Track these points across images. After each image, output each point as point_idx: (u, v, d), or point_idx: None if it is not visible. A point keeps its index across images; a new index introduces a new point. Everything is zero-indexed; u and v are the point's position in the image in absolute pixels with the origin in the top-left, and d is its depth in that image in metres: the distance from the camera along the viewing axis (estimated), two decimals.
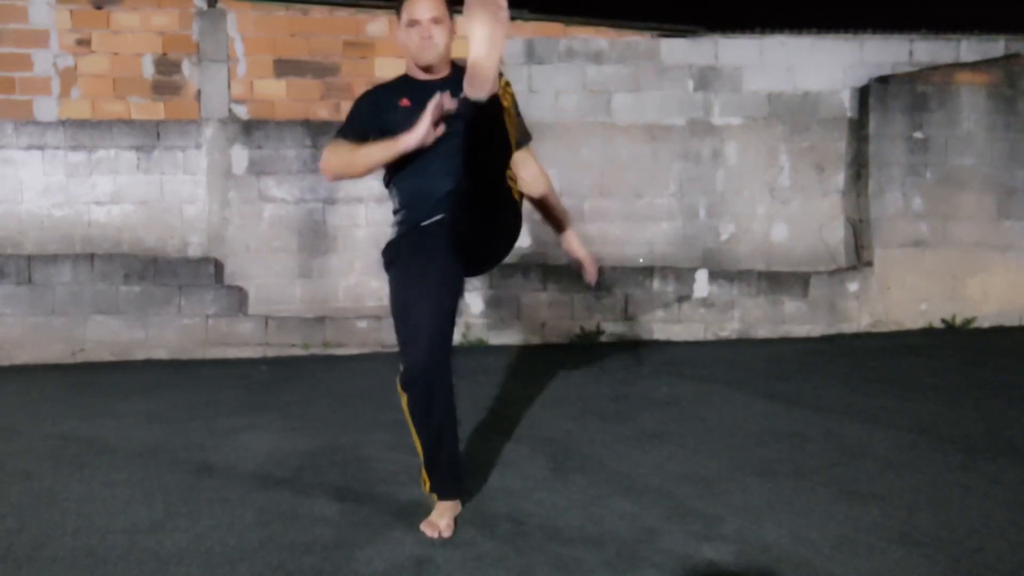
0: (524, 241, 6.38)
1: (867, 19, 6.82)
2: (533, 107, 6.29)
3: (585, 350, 5.86)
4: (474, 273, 3.09)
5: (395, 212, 3.05)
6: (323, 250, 6.24)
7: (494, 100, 2.58)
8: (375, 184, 6.24)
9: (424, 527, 2.89)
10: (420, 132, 2.74)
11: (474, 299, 6.07)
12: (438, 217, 2.89)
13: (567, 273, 6.22)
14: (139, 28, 6.07)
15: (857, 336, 6.23)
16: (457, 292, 2.93)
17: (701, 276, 6.23)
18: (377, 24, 6.26)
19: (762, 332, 6.26)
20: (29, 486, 3.37)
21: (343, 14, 6.23)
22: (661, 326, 6.22)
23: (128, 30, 6.07)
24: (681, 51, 6.47)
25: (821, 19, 6.67)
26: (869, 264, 6.37)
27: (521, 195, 2.93)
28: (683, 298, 6.22)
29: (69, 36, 6.00)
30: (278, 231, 6.21)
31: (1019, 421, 4.10)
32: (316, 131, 6.18)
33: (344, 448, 3.80)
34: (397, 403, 4.55)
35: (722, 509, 3.07)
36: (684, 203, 6.53)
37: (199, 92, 6.12)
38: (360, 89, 6.22)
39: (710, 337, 6.24)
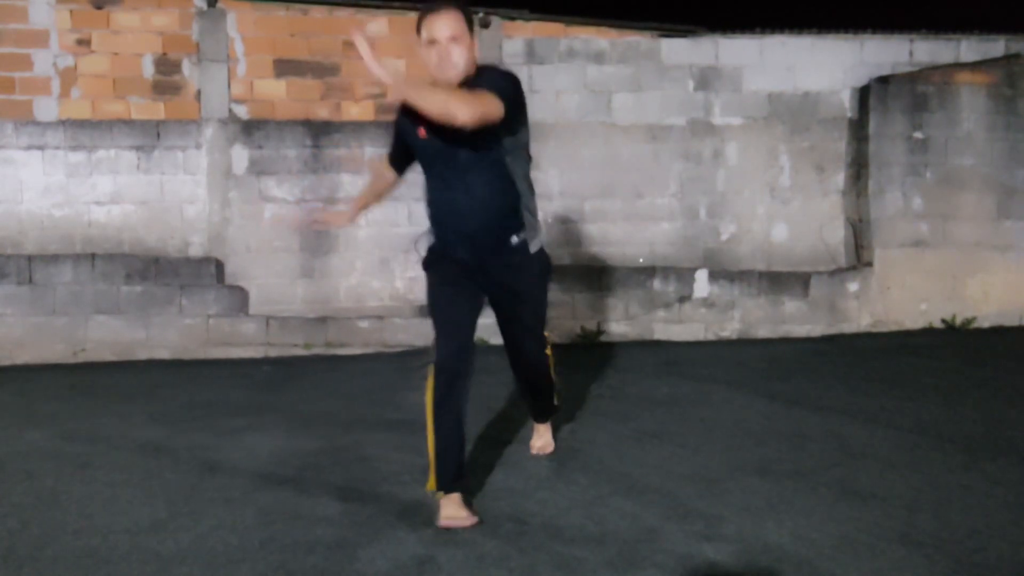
0: None
1: (867, 19, 6.83)
2: (534, 107, 6.24)
3: (586, 350, 5.86)
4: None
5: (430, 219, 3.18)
6: (324, 250, 6.24)
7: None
8: None
9: (448, 522, 2.90)
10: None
11: None
12: (463, 250, 3.07)
13: (568, 273, 6.23)
14: (139, 28, 6.07)
15: (857, 336, 6.24)
16: (477, 309, 3.14)
17: (701, 276, 6.23)
18: (377, 24, 6.26)
19: (762, 332, 6.27)
20: (31, 486, 3.37)
21: (343, 14, 6.23)
22: (662, 326, 6.23)
23: (128, 30, 6.07)
24: (682, 51, 6.47)
25: (821, 19, 6.67)
26: (869, 264, 6.37)
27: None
28: (684, 298, 6.23)
29: (69, 36, 6.01)
30: (279, 231, 6.21)
31: (1019, 421, 4.10)
32: (316, 131, 6.19)
33: (346, 448, 3.81)
34: (400, 403, 4.59)
35: (723, 509, 3.07)
36: (685, 203, 6.53)
37: (199, 92, 6.12)
38: (360, 89, 6.28)
39: (711, 337, 6.24)
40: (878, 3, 8.03)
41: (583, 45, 6.41)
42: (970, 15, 6.93)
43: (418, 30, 2.98)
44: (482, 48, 6.29)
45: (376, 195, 3.49)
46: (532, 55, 6.36)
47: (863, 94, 6.48)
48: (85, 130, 6.03)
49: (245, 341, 5.92)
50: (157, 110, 6.12)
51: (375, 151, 6.24)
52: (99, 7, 6.02)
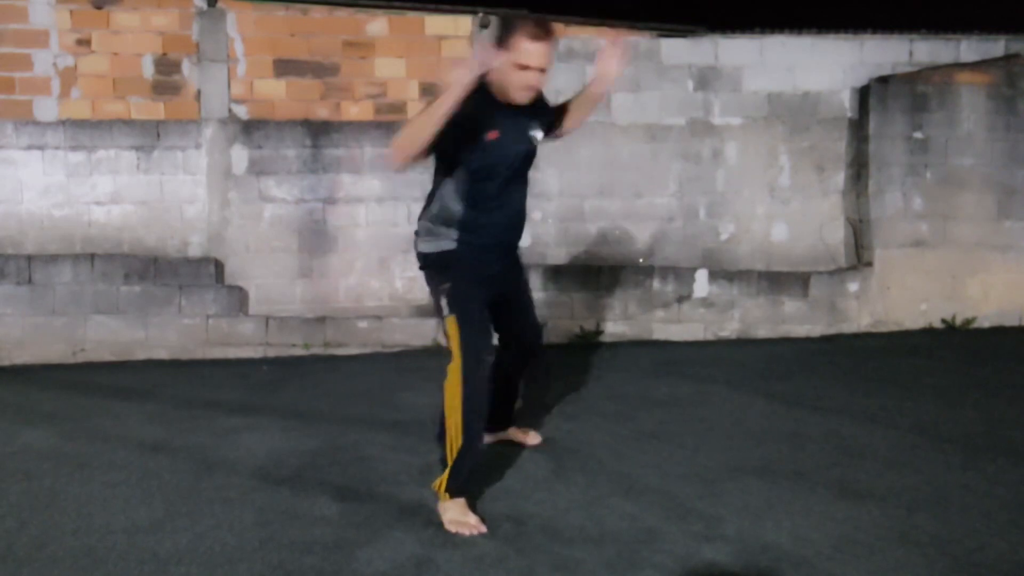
0: (524, 241, 6.38)
1: (867, 19, 6.81)
2: None
3: (584, 350, 5.86)
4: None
5: (451, 222, 3.20)
6: (324, 250, 6.24)
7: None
8: (376, 184, 6.28)
9: (456, 528, 2.89)
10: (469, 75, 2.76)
11: None
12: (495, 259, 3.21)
13: (567, 273, 6.23)
14: (139, 28, 6.06)
15: (857, 336, 6.23)
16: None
17: (701, 276, 6.23)
18: (377, 24, 6.26)
19: (762, 332, 6.26)
20: (29, 486, 3.37)
21: (343, 14, 6.22)
22: (661, 326, 6.22)
23: (128, 30, 6.07)
24: (681, 51, 6.47)
25: (821, 19, 6.66)
26: (869, 264, 6.37)
27: None
28: (683, 298, 6.22)
29: (69, 36, 6.00)
30: (278, 231, 6.21)
31: (1019, 421, 4.10)
32: (316, 131, 6.18)
33: (345, 448, 3.81)
34: (398, 403, 4.59)
35: (722, 509, 3.07)
36: (684, 203, 6.53)
37: (199, 92, 6.12)
38: (360, 89, 6.27)
39: (710, 337, 6.24)
40: (878, 3, 8.01)
41: (582, 45, 6.41)
42: (970, 15, 6.90)
43: (507, 40, 2.91)
44: (482, 48, 6.31)
45: None
46: None
47: (863, 94, 6.47)
48: (85, 130, 6.03)
49: (244, 341, 5.91)
50: (157, 110, 6.11)
51: (375, 151, 6.24)
52: (99, 7, 6.02)
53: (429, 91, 6.31)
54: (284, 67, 6.18)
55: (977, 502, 3.11)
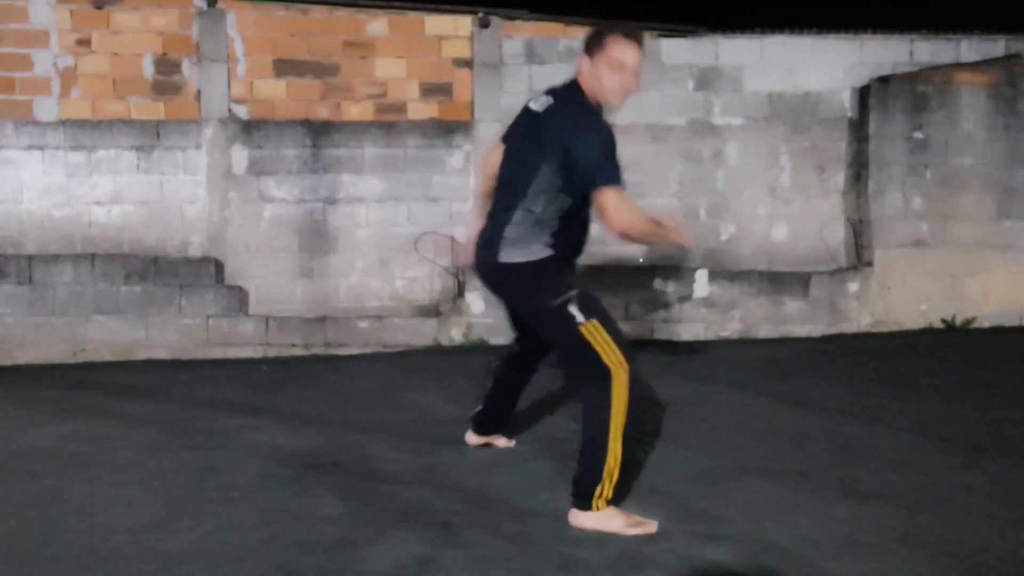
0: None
1: (867, 19, 6.82)
2: None
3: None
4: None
5: (543, 234, 3.07)
6: (324, 250, 6.24)
7: None
8: (376, 184, 6.28)
9: (638, 529, 2.86)
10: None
11: (475, 299, 6.07)
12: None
13: None
14: (139, 28, 6.06)
15: (857, 336, 6.24)
16: None
17: (702, 276, 6.23)
18: (377, 24, 6.26)
19: (763, 332, 6.26)
20: (32, 486, 3.37)
21: (343, 14, 6.23)
22: (662, 326, 6.22)
23: (128, 30, 6.07)
24: (682, 51, 6.47)
25: (821, 19, 6.67)
26: (869, 264, 6.37)
27: None
28: (684, 298, 6.23)
29: (69, 36, 6.00)
30: (279, 231, 6.21)
31: (1020, 421, 4.10)
32: (316, 131, 6.18)
33: (346, 448, 3.80)
34: (399, 403, 4.59)
35: (725, 509, 3.07)
36: (685, 203, 6.53)
37: (199, 92, 6.11)
38: (360, 89, 6.27)
39: (711, 337, 6.24)
40: (878, 3, 8.02)
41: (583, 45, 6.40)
42: (970, 15, 6.91)
43: (601, 42, 2.95)
44: (482, 48, 6.32)
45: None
46: (532, 55, 6.36)
47: (863, 94, 6.47)
48: (85, 130, 6.03)
49: (244, 341, 5.91)
50: (157, 110, 6.11)
51: (375, 151, 6.24)
52: (99, 7, 6.02)
53: (429, 91, 6.31)
54: (284, 67, 6.18)
55: (979, 502, 3.11)
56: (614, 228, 2.87)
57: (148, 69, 6.09)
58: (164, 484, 3.37)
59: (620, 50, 2.92)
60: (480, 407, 3.70)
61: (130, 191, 6.09)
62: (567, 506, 3.09)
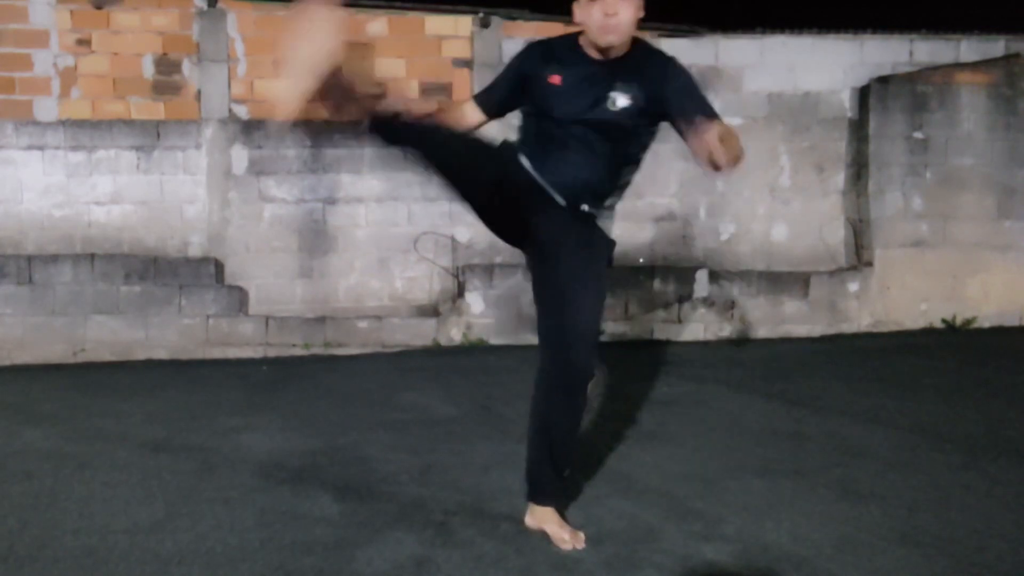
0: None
1: (867, 19, 6.82)
2: None
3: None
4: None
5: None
6: (323, 250, 6.24)
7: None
8: (376, 184, 6.28)
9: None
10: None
11: (474, 299, 6.07)
12: None
13: None
14: (139, 28, 6.07)
15: (857, 336, 6.24)
16: None
17: (701, 276, 6.23)
18: (377, 24, 6.26)
19: (762, 332, 6.26)
20: (30, 486, 3.37)
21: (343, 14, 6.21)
22: (661, 326, 6.22)
23: (128, 30, 6.07)
24: (681, 51, 6.42)
25: (821, 19, 6.67)
26: (869, 264, 6.37)
27: None
28: (683, 298, 6.22)
29: (69, 36, 6.01)
30: (278, 231, 6.21)
31: (1019, 421, 4.10)
32: (316, 131, 6.18)
33: (345, 448, 3.80)
34: (398, 403, 4.59)
35: (722, 509, 3.07)
36: (685, 203, 6.53)
37: (199, 92, 6.12)
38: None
39: (710, 337, 6.24)
40: (878, 3, 8.02)
41: None
42: (970, 15, 6.91)
43: None
44: (482, 48, 6.32)
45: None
46: None
47: (863, 94, 6.47)
48: (85, 130, 6.03)
49: (244, 341, 5.91)
50: (157, 110, 6.12)
51: (375, 151, 6.24)
52: (99, 7, 6.02)
53: (429, 91, 6.31)
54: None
55: (978, 502, 3.11)
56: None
57: (148, 69, 6.09)
58: (162, 484, 3.37)
59: None
60: None
61: (130, 191, 6.09)
62: (562, 506, 3.08)
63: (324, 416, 4.36)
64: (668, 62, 2.79)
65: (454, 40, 6.33)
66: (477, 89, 6.23)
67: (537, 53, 2.83)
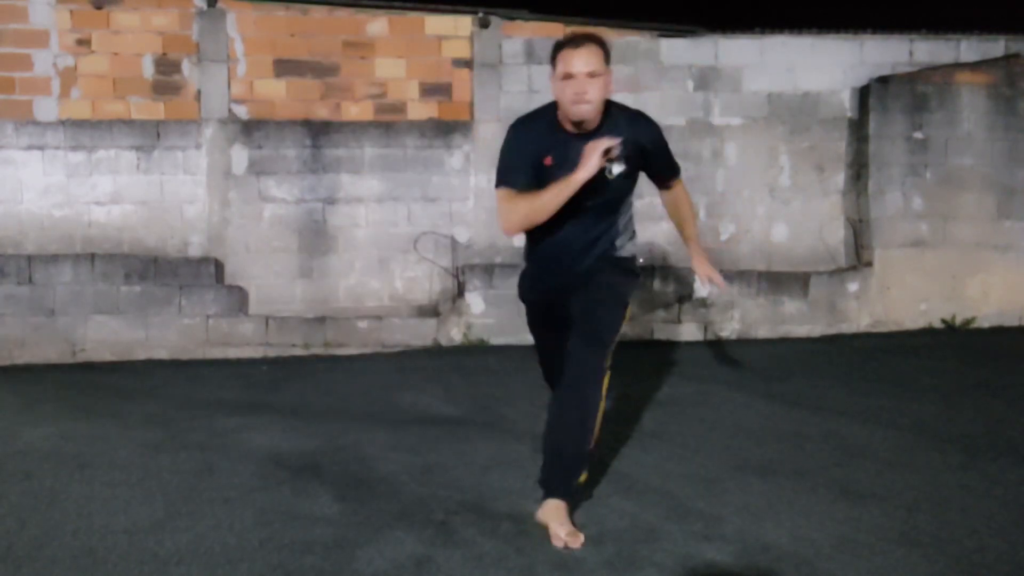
0: (521, 240, 6.38)
1: (867, 19, 6.82)
2: (533, 107, 6.27)
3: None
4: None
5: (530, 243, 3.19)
6: (323, 250, 6.25)
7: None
8: (376, 184, 6.29)
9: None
10: (592, 167, 2.80)
11: (475, 299, 6.07)
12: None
13: None
14: (139, 28, 6.07)
15: (857, 336, 6.23)
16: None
17: None
18: (377, 24, 6.26)
19: (762, 332, 6.26)
20: (29, 486, 3.37)
21: (343, 14, 6.23)
22: (661, 326, 6.22)
23: (128, 30, 6.07)
24: (681, 51, 6.47)
25: (821, 19, 6.66)
26: (869, 264, 6.37)
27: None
28: (683, 298, 6.22)
29: (69, 36, 6.01)
30: (278, 231, 6.21)
31: (1019, 421, 4.10)
32: (316, 131, 6.19)
33: (345, 448, 3.80)
34: (397, 403, 4.59)
35: (722, 509, 3.07)
36: None
37: (199, 92, 6.12)
38: (360, 89, 6.27)
39: (710, 337, 6.24)
40: (878, 3, 8.01)
41: None
42: (970, 15, 6.90)
43: (552, 62, 2.88)
44: (482, 48, 6.32)
45: None
46: (531, 55, 6.36)
47: (863, 94, 6.47)
48: (85, 130, 6.03)
49: (244, 341, 5.91)
50: (157, 110, 6.12)
51: (375, 151, 6.25)
52: (99, 7, 6.02)
53: (429, 91, 6.32)
54: (284, 67, 6.19)
55: (977, 502, 3.11)
56: (509, 232, 3.06)
57: (148, 69, 6.09)
58: (161, 484, 3.37)
59: (564, 61, 2.83)
60: None
61: (130, 191, 6.09)
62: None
63: (324, 416, 4.36)
64: (641, 119, 3.08)
65: (454, 40, 6.33)
66: (477, 89, 6.30)
67: (529, 132, 2.96)
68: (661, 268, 6.28)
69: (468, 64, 6.33)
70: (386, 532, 2.89)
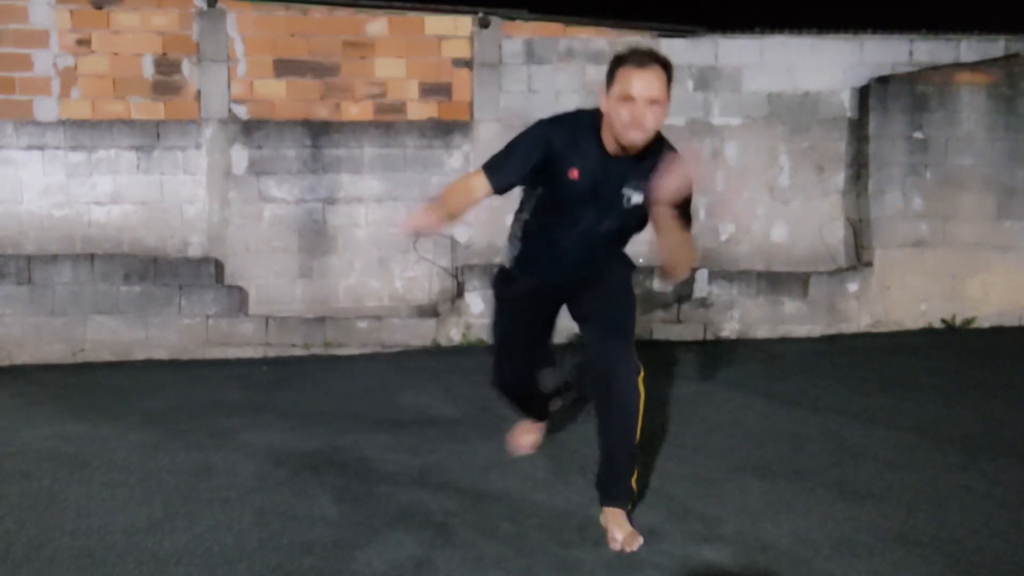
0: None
1: (867, 19, 6.81)
2: (533, 107, 6.28)
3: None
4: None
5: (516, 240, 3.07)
6: (323, 250, 6.24)
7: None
8: (376, 184, 6.28)
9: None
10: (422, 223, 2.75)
11: (474, 299, 6.07)
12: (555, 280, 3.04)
13: None
14: (139, 28, 6.07)
15: (857, 336, 6.23)
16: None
17: (701, 276, 6.23)
18: (377, 24, 6.26)
19: (761, 332, 6.26)
20: (28, 486, 3.37)
21: (343, 14, 6.23)
22: (661, 326, 6.22)
23: (128, 30, 6.07)
24: (681, 51, 6.46)
25: (821, 19, 6.66)
26: (869, 264, 6.37)
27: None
28: (683, 298, 6.22)
29: (69, 36, 6.00)
30: (278, 231, 6.21)
31: (1018, 421, 4.10)
32: (316, 131, 6.19)
33: (344, 448, 3.80)
34: (397, 403, 4.59)
35: (721, 509, 3.07)
36: None
37: (199, 92, 6.12)
38: (360, 89, 6.26)
39: (709, 337, 6.23)
40: (878, 3, 8.01)
41: (582, 45, 6.41)
42: (970, 15, 6.90)
43: (610, 76, 2.64)
44: (482, 48, 6.32)
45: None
46: (531, 55, 6.36)
47: (863, 94, 6.47)
48: (85, 130, 6.03)
49: (243, 341, 5.91)
50: (157, 110, 6.12)
51: (375, 151, 6.24)
52: (99, 7, 6.02)
53: (429, 91, 6.32)
54: (284, 67, 6.18)
55: (976, 502, 3.11)
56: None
57: (148, 69, 6.09)
58: (160, 485, 3.37)
59: (623, 79, 2.59)
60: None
61: (130, 191, 6.09)
62: (563, 507, 3.09)
63: (323, 416, 4.36)
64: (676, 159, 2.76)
65: (454, 40, 6.33)
66: (477, 89, 6.31)
67: (559, 137, 2.73)
68: (660, 268, 6.26)
69: (468, 64, 6.33)
70: (385, 533, 2.89)
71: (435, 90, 6.33)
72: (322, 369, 5.49)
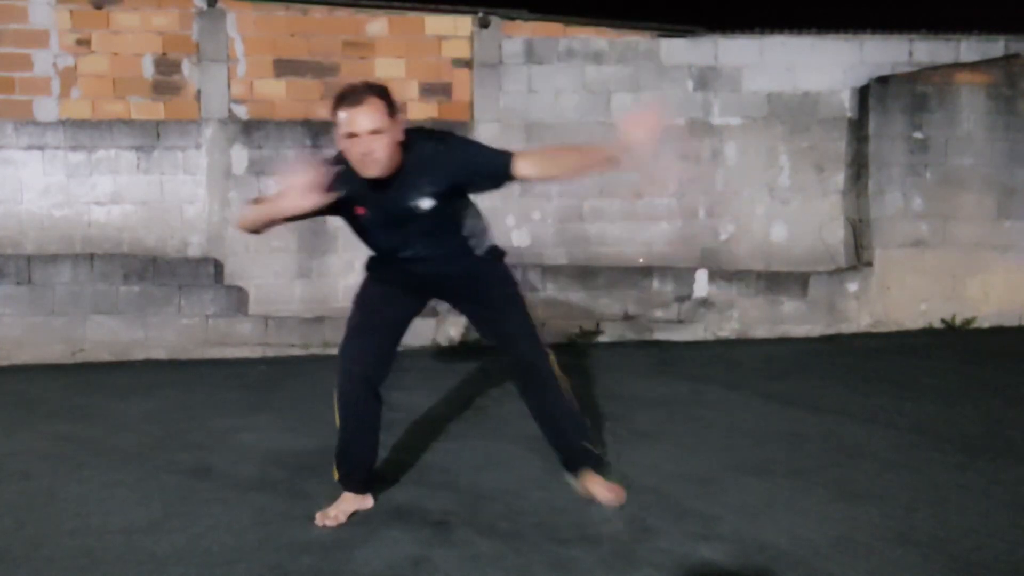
0: (523, 240, 6.39)
1: (867, 19, 6.82)
2: (533, 107, 6.29)
3: (583, 350, 5.86)
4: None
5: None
6: (322, 250, 6.24)
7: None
8: None
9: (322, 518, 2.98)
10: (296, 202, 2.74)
11: None
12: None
13: (565, 273, 6.23)
14: (139, 28, 6.07)
15: (856, 336, 6.23)
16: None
17: (700, 276, 6.23)
18: (377, 24, 6.26)
19: (761, 332, 6.26)
20: (27, 486, 3.37)
21: (343, 14, 6.23)
22: (660, 326, 6.22)
23: (128, 30, 6.07)
24: (681, 51, 6.47)
25: (821, 19, 6.66)
26: (869, 264, 6.36)
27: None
28: (682, 298, 6.22)
29: (69, 36, 6.01)
30: (278, 231, 6.19)
31: (1018, 421, 4.09)
32: (316, 131, 6.19)
33: None
34: (393, 403, 4.56)
35: (719, 509, 3.07)
36: (683, 203, 6.53)
37: (199, 92, 6.12)
38: None
39: (709, 337, 6.23)
40: (878, 3, 8.02)
41: (582, 45, 6.41)
42: (970, 15, 6.91)
43: (335, 119, 2.70)
44: (482, 48, 6.32)
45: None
46: (531, 55, 6.36)
47: (863, 94, 6.47)
48: (85, 130, 6.03)
49: (242, 341, 5.92)
50: (157, 110, 6.12)
51: None
52: (99, 7, 6.03)
53: (429, 91, 6.32)
54: (284, 67, 6.19)
55: (975, 502, 3.10)
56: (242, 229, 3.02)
57: (148, 69, 6.09)
58: (159, 484, 3.37)
59: (343, 122, 2.67)
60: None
61: (130, 191, 6.10)
62: (560, 505, 3.08)
63: (321, 416, 4.34)
64: (439, 149, 2.83)
65: (454, 40, 6.33)
66: (477, 90, 6.30)
67: (338, 180, 2.74)
68: (659, 268, 6.27)
69: (468, 64, 6.33)
70: (382, 532, 2.89)
71: (435, 90, 6.33)
72: (321, 369, 5.48)
